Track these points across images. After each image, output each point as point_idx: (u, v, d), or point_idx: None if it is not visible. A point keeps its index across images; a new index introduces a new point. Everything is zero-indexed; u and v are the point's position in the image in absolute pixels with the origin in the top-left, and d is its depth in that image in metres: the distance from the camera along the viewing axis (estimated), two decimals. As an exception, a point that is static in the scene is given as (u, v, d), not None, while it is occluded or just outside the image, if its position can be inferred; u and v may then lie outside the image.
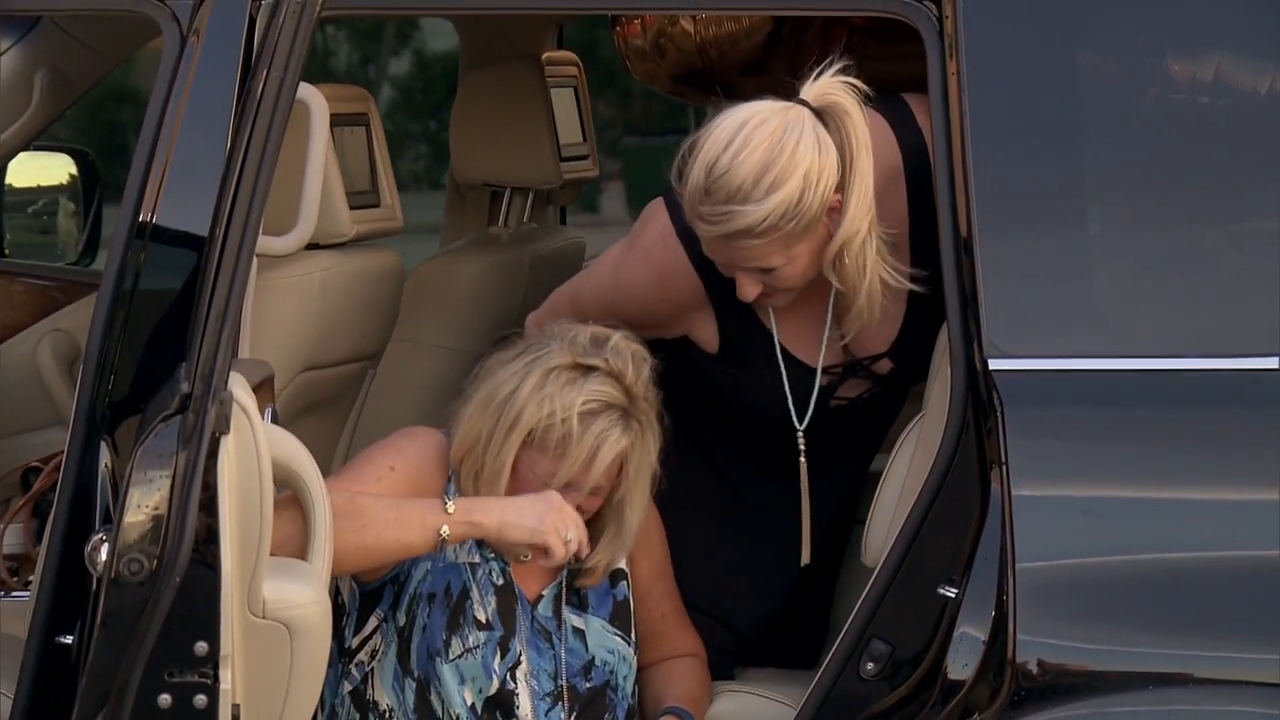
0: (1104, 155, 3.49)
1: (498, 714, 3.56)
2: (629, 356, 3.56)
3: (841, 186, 3.54)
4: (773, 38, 4.30)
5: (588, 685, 3.61)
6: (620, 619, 3.67)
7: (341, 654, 3.60)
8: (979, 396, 3.40)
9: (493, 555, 3.59)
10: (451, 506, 3.49)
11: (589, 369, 3.53)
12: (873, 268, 3.60)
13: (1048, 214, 3.47)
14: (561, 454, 3.51)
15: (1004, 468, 3.36)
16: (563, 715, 3.59)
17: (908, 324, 3.76)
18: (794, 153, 3.49)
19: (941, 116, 3.48)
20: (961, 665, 3.37)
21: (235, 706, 3.18)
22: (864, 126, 3.55)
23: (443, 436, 3.66)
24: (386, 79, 18.64)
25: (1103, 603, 3.36)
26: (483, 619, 3.56)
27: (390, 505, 3.49)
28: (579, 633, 3.63)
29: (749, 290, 3.62)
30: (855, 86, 3.55)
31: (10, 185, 5.27)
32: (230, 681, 3.16)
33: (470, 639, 3.56)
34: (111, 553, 3.15)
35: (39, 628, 3.44)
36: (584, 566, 3.63)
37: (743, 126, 3.51)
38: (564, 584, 3.64)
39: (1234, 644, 3.33)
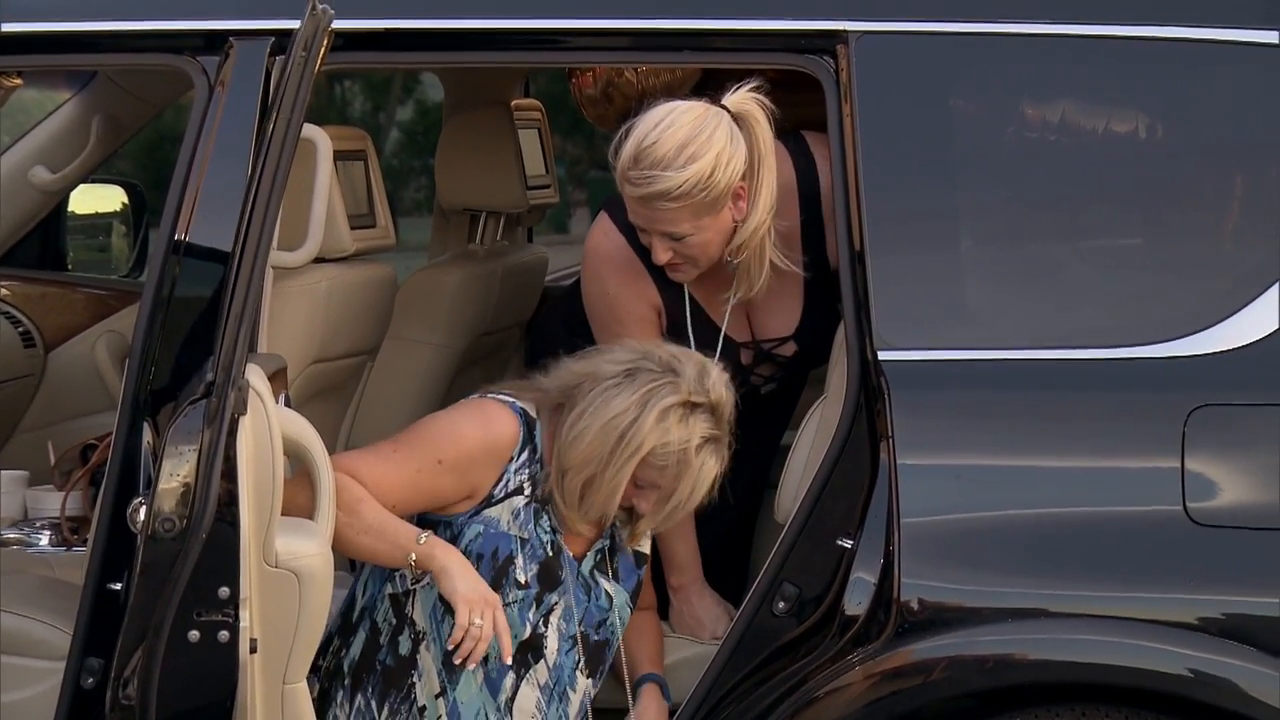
0: (972, 184, 3.48)
1: (528, 656, 3.48)
2: (724, 389, 3.44)
3: (748, 179, 3.56)
4: (700, 88, 4.30)
5: (595, 638, 3.54)
6: (635, 596, 3.59)
7: None
8: (870, 382, 3.40)
9: (548, 530, 3.48)
10: (423, 539, 3.39)
11: (697, 405, 3.41)
12: (767, 251, 3.63)
13: (927, 232, 3.47)
14: (671, 475, 3.41)
15: (891, 441, 3.36)
16: (575, 658, 3.52)
17: (806, 312, 3.76)
18: (711, 136, 3.52)
19: (839, 151, 3.47)
20: (856, 604, 3.37)
21: (253, 641, 3.15)
22: (770, 135, 3.58)
23: (514, 419, 3.47)
24: (394, 124, 18.57)
25: (972, 552, 3.36)
26: (522, 580, 3.46)
27: (377, 521, 3.37)
28: (608, 596, 3.54)
29: (661, 254, 3.61)
30: (765, 104, 3.58)
31: (73, 211, 5.23)
32: (249, 620, 3.14)
33: (509, 596, 3.45)
34: (148, 514, 3.13)
35: (93, 576, 3.42)
36: (632, 530, 3.53)
37: (670, 112, 3.54)
38: (605, 550, 3.55)
39: (1077, 584, 3.33)
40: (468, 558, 3.43)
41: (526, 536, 3.47)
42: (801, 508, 3.44)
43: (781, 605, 3.42)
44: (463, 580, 3.37)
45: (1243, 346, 3.37)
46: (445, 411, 3.56)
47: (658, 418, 3.37)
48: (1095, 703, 3.37)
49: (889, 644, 3.34)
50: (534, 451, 3.48)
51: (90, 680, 3.39)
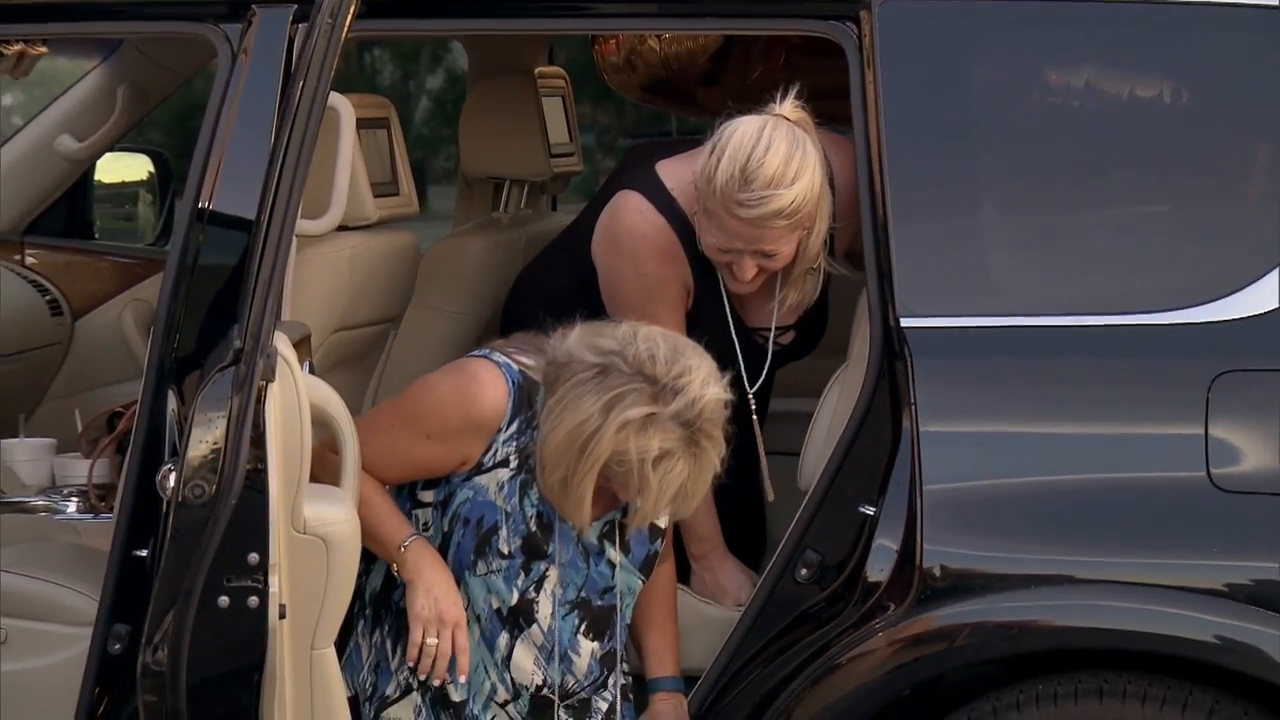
0: (994, 151, 3.49)
1: (520, 620, 3.50)
2: (703, 400, 3.32)
3: None
4: (724, 54, 4.31)
5: (599, 604, 3.53)
6: (646, 568, 3.57)
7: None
8: (893, 349, 3.42)
9: (535, 503, 3.47)
10: (405, 546, 3.43)
11: (661, 415, 3.31)
12: (823, 260, 3.68)
13: (949, 199, 3.48)
14: (633, 480, 3.36)
15: (913, 408, 3.38)
16: (575, 622, 3.52)
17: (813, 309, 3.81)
18: (806, 150, 3.54)
19: (861, 119, 3.48)
20: (879, 570, 3.40)
21: (282, 606, 3.19)
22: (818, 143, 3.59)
23: (503, 388, 3.43)
24: (424, 92, 18.56)
25: (994, 518, 3.37)
26: (505, 551, 3.47)
27: (376, 518, 3.42)
28: (611, 564, 3.53)
29: (749, 272, 3.61)
30: (808, 111, 3.59)
31: (99, 180, 5.27)
32: (278, 586, 3.17)
33: (494, 564, 3.47)
34: (178, 480, 3.16)
35: (119, 543, 3.46)
36: (624, 519, 3.51)
37: (761, 130, 3.54)
38: (615, 524, 3.53)
39: (1099, 550, 3.35)
40: (456, 521, 3.46)
41: (510, 510, 3.47)
42: (824, 475, 3.46)
43: (804, 572, 3.45)
44: (421, 598, 3.41)
45: (1267, 312, 3.38)
46: (437, 376, 3.51)
47: (617, 428, 3.31)
48: (1118, 669, 3.39)
49: (911, 610, 3.36)
50: (529, 421, 3.46)
51: (117, 646, 3.43)
